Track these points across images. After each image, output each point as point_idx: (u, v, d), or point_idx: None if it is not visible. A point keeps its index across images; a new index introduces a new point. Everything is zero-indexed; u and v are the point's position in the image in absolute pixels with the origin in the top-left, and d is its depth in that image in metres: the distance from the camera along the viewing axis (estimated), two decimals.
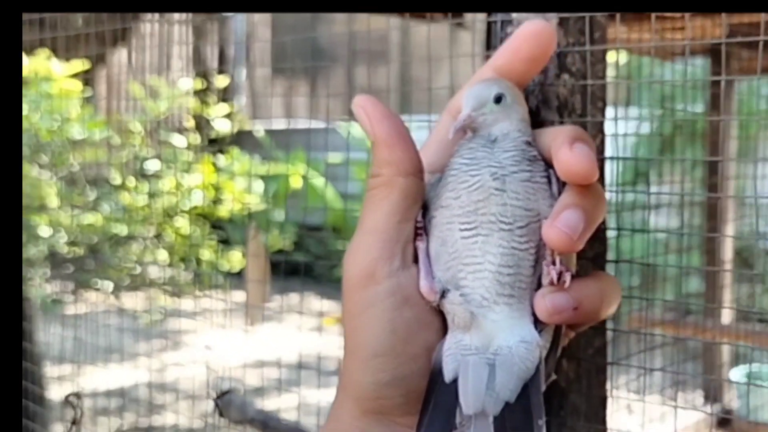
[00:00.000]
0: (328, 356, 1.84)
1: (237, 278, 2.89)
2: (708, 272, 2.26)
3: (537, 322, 0.60)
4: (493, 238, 0.59)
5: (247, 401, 1.47)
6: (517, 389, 0.58)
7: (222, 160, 2.99)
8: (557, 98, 0.76)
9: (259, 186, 3.18)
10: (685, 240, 2.37)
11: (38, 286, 2.57)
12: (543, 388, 0.59)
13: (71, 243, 2.68)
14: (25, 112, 2.53)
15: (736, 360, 2.51)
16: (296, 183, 4.95)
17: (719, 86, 2.23)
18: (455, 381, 0.58)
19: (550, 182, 0.61)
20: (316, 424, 1.66)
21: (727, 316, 2.31)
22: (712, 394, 2.31)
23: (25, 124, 2.55)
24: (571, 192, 0.59)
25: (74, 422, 1.77)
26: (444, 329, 0.62)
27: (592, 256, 0.76)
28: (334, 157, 3.81)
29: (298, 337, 1.69)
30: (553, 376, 0.66)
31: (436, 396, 0.59)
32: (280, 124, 5.15)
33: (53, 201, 2.63)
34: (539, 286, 0.60)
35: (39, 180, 2.63)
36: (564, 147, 0.58)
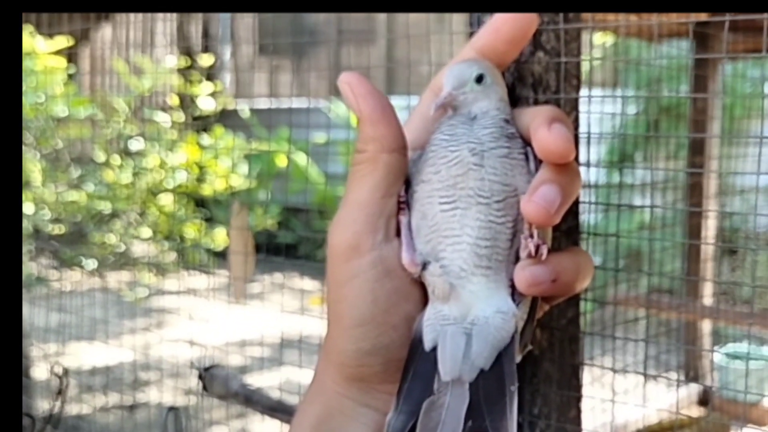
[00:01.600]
0: (311, 335, 1.85)
1: (221, 257, 2.88)
2: (690, 252, 2.28)
3: (514, 294, 0.62)
4: (471, 212, 0.61)
5: (230, 375, 1.47)
6: (492, 357, 0.60)
7: (206, 138, 2.98)
8: (532, 75, 0.78)
9: (243, 165, 3.17)
10: (668, 219, 2.39)
11: (22, 263, 2.56)
12: (518, 358, 0.61)
13: (55, 221, 2.67)
14: None
15: (717, 339, 2.53)
16: (281, 162, 4.94)
17: (703, 68, 2.24)
18: (434, 350, 0.60)
19: (527, 159, 0.63)
20: (299, 402, 1.67)
21: (708, 296, 2.33)
22: (692, 373, 2.34)
23: None
24: (548, 168, 0.61)
25: (59, 394, 1.77)
26: (424, 301, 0.64)
27: (565, 229, 0.78)
28: (319, 137, 3.81)
29: (282, 316, 1.69)
30: (529, 347, 0.68)
31: (415, 364, 0.61)
32: (264, 103, 5.12)
33: (37, 178, 2.62)
34: (517, 259, 0.62)
35: (23, 157, 2.61)
36: (542, 127, 0.59)
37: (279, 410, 1.39)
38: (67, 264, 2.80)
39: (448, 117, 0.65)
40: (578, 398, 0.78)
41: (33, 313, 2.51)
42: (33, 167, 2.61)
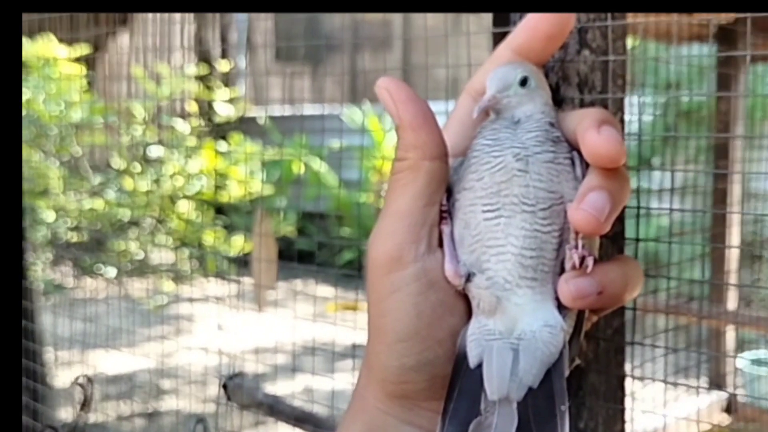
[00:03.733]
0: (327, 342, 1.84)
1: (240, 264, 2.88)
2: (714, 259, 2.25)
3: (560, 306, 0.59)
4: (516, 220, 0.59)
5: (254, 385, 1.46)
6: (541, 374, 0.57)
7: (224, 145, 2.98)
8: (577, 75, 0.75)
9: (260, 172, 3.17)
10: (687, 225, 2.37)
11: (41, 271, 2.56)
12: (566, 373, 0.59)
13: (75, 228, 2.68)
14: (27, 96, 2.52)
15: (742, 346, 2.51)
16: (297, 169, 4.94)
17: (727, 69, 2.22)
18: (480, 366, 0.58)
19: (573, 164, 0.60)
20: (310, 407, 1.66)
21: (732, 302, 2.30)
22: (716, 381, 2.31)
23: (28, 109, 2.54)
24: (597, 174, 0.58)
25: (84, 405, 1.77)
26: (469, 314, 0.61)
27: (611, 235, 0.76)
28: (335, 143, 3.80)
29: (301, 323, 1.68)
30: (577, 361, 0.66)
31: (460, 382, 0.58)
32: (282, 110, 5.12)
33: (56, 186, 2.62)
34: (562, 269, 0.59)
35: (42, 165, 2.62)
36: (591, 130, 0.57)
37: (304, 420, 1.38)
38: (87, 272, 2.81)
39: (491, 121, 0.63)
40: (623, 411, 0.76)
41: (52, 321, 2.51)
42: (52, 175, 2.62)
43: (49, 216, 2.60)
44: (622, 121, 0.77)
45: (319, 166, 5.07)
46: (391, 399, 0.62)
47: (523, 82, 0.62)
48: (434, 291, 0.60)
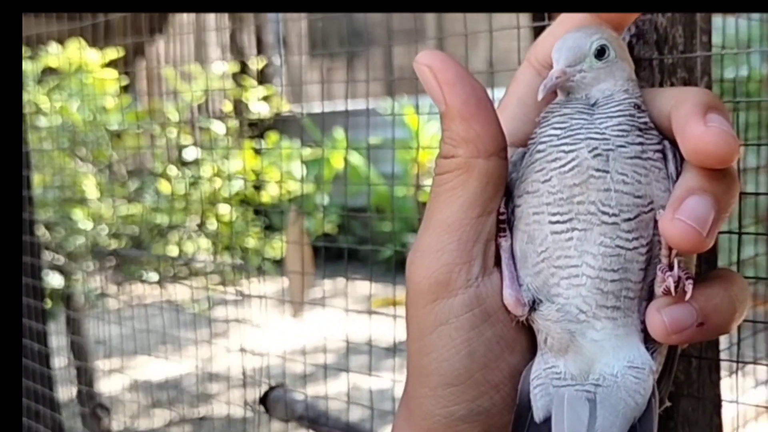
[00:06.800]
0: (377, 339, 1.79)
1: (282, 265, 2.85)
2: None
3: (647, 341, 0.48)
4: (593, 234, 0.47)
5: (295, 398, 1.41)
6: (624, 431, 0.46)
7: (262, 144, 2.94)
8: (656, 30, 0.61)
9: (300, 170, 3.13)
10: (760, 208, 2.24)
11: (82, 280, 2.55)
12: (655, 430, 0.48)
13: (113, 235, 2.66)
14: (62, 102, 2.50)
15: None
16: (337, 165, 4.90)
17: None
18: (547, 421, 0.48)
19: (665, 158, 0.48)
20: (355, 411, 1.61)
21: None
22: None
23: (62, 116, 2.52)
24: (697, 173, 0.46)
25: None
26: (533, 350, 0.50)
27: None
28: (374, 138, 3.75)
29: (345, 321, 1.63)
30: (667, 403, 0.54)
31: None
32: (319, 107, 5.09)
33: (93, 193, 2.60)
34: (650, 295, 0.48)
35: (78, 173, 2.61)
36: (694, 119, 0.45)
37: None
38: (129, 278, 2.79)
39: (559, 103, 0.50)
40: None
41: (96, 329, 2.49)
42: (89, 182, 2.60)
43: (87, 224, 2.58)
44: (710, 88, 0.62)
45: (359, 161, 5.03)
46: None
47: (600, 53, 0.50)
48: (490, 324, 0.49)
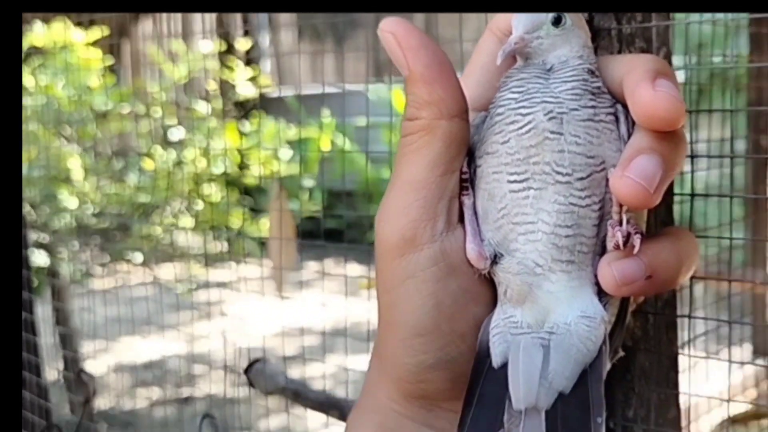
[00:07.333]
0: (360, 322, 1.80)
1: (267, 245, 2.84)
2: (756, 221, 2.17)
3: (600, 293, 0.51)
4: (548, 192, 0.49)
5: (277, 371, 1.42)
6: (575, 377, 0.49)
7: (247, 125, 2.93)
8: None
9: (286, 151, 3.12)
10: (726, 188, 2.28)
11: (67, 259, 2.54)
12: (605, 375, 0.50)
13: (98, 214, 2.65)
14: (46, 82, 2.49)
15: None
16: (324, 147, 4.90)
17: (759, 28, 2.12)
18: (504, 367, 0.50)
19: (617, 120, 0.51)
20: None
21: None
22: (762, 349, 2.24)
23: (46, 95, 2.51)
24: (646, 133, 0.49)
25: (87, 400, 1.73)
26: (495, 301, 0.53)
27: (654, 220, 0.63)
28: (361, 120, 3.75)
29: (330, 303, 1.64)
30: (620, 353, 0.57)
31: (481, 385, 0.50)
32: (306, 88, 5.07)
33: (79, 172, 2.59)
34: (603, 249, 0.51)
35: (63, 151, 2.60)
36: (644, 84, 0.48)
37: (330, 406, 1.33)
38: (114, 258, 2.78)
39: (518, 68, 0.53)
40: (677, 395, 0.66)
41: (82, 309, 2.49)
42: (74, 161, 2.59)
43: (72, 203, 2.57)
44: (668, 57, 0.64)
45: (345, 143, 5.02)
46: (407, 399, 0.54)
47: (557, 21, 0.52)
48: (455, 277, 0.51)
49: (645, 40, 0.63)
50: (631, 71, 0.50)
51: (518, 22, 0.52)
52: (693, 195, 0.70)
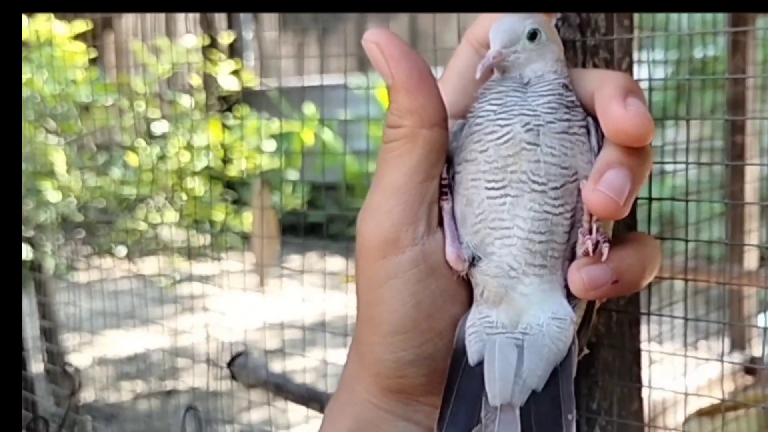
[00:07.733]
0: (341, 315, 1.81)
1: (250, 239, 2.85)
2: (734, 217, 2.20)
3: (569, 296, 0.53)
4: (524, 200, 0.52)
5: (259, 364, 1.44)
6: (546, 375, 0.52)
7: (231, 119, 2.93)
8: (578, 15, 0.66)
9: (270, 145, 3.12)
10: (705, 184, 2.31)
11: (50, 252, 2.54)
12: (574, 373, 0.53)
13: (82, 208, 2.64)
14: (28, 75, 2.48)
15: (764, 307, 2.46)
16: (309, 140, 4.89)
17: (740, 31, 2.15)
18: (480, 365, 0.53)
19: (588, 133, 0.54)
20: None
21: (753, 262, 2.25)
22: (739, 343, 2.26)
23: (29, 89, 2.50)
24: (616, 148, 0.51)
25: (73, 393, 1.74)
26: (471, 302, 0.55)
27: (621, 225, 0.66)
28: (344, 113, 3.75)
29: (312, 296, 1.65)
30: (585, 351, 0.60)
31: (459, 383, 0.53)
32: (290, 82, 5.07)
33: (62, 166, 2.58)
34: (573, 255, 0.53)
35: (46, 145, 2.59)
36: (615, 101, 0.50)
37: (312, 398, 1.35)
38: (97, 251, 2.78)
39: (496, 81, 0.56)
40: (639, 388, 0.69)
41: (64, 303, 2.49)
42: (57, 154, 2.58)
43: (55, 196, 2.56)
44: (630, 69, 0.68)
45: (329, 137, 5.03)
46: (385, 393, 0.56)
47: (533, 36, 0.55)
48: (434, 278, 0.54)
49: (608, 51, 0.66)
50: (602, 87, 0.52)
51: (496, 36, 0.55)
52: (651, 199, 0.73)
